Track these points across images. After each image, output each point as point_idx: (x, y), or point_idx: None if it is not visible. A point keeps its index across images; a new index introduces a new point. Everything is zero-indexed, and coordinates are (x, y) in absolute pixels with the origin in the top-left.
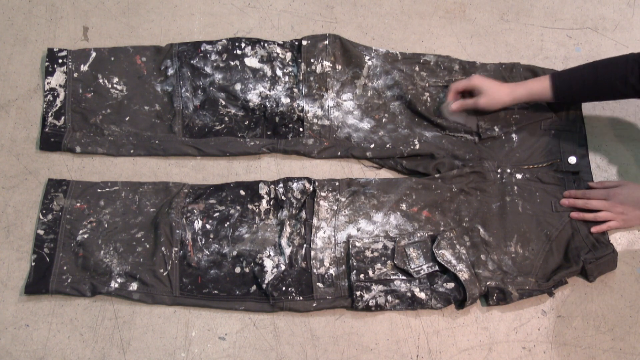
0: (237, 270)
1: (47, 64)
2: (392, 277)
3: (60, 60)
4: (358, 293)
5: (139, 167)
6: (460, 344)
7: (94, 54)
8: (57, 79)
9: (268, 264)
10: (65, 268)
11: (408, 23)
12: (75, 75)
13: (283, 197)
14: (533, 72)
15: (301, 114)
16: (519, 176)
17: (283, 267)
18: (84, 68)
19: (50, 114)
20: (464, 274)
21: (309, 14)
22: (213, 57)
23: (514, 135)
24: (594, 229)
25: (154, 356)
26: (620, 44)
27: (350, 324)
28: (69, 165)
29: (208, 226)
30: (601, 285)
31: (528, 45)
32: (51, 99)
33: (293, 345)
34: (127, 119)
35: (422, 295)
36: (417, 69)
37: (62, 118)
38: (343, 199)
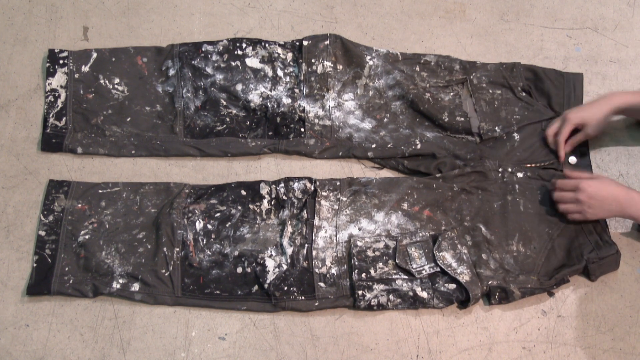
0: (239, 270)
1: (48, 64)
2: (394, 277)
3: (61, 61)
4: (360, 292)
5: (139, 167)
6: (460, 344)
7: (94, 55)
8: (58, 79)
9: (270, 263)
10: (67, 269)
11: (408, 23)
12: (77, 76)
13: (284, 197)
14: (533, 72)
15: (302, 114)
16: (520, 175)
17: (285, 267)
18: (85, 69)
19: (51, 115)
20: (464, 276)
21: (309, 14)
22: (214, 57)
23: (515, 135)
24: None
25: (154, 356)
26: (620, 44)
27: (350, 324)
28: (69, 165)
29: (209, 226)
30: (601, 285)
31: (528, 45)
32: (52, 99)
33: (293, 345)
34: (128, 119)
35: (424, 295)
36: (417, 69)
37: (64, 119)
38: (344, 199)
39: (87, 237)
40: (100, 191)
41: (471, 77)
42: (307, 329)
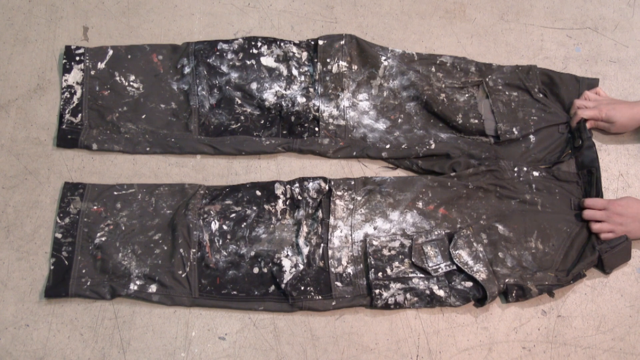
0: (256, 270)
1: (64, 61)
2: (411, 275)
3: (77, 58)
4: (377, 291)
5: (138, 167)
6: (460, 344)
7: (111, 52)
8: (75, 76)
9: (286, 263)
10: (84, 271)
11: (408, 23)
12: (93, 72)
13: (299, 197)
14: (549, 76)
15: (317, 114)
16: (535, 174)
17: (301, 267)
18: (101, 66)
19: (67, 111)
20: (481, 274)
21: (309, 14)
22: (229, 56)
23: (531, 137)
24: (601, 236)
25: (154, 356)
26: (620, 44)
27: (350, 324)
28: (69, 165)
29: (225, 227)
30: (601, 285)
31: (528, 45)
32: (68, 96)
33: (293, 345)
34: (143, 116)
35: (441, 293)
36: (433, 69)
37: (79, 115)
38: (359, 198)
39: (103, 239)
40: (115, 193)
41: (487, 79)
42: (307, 329)
